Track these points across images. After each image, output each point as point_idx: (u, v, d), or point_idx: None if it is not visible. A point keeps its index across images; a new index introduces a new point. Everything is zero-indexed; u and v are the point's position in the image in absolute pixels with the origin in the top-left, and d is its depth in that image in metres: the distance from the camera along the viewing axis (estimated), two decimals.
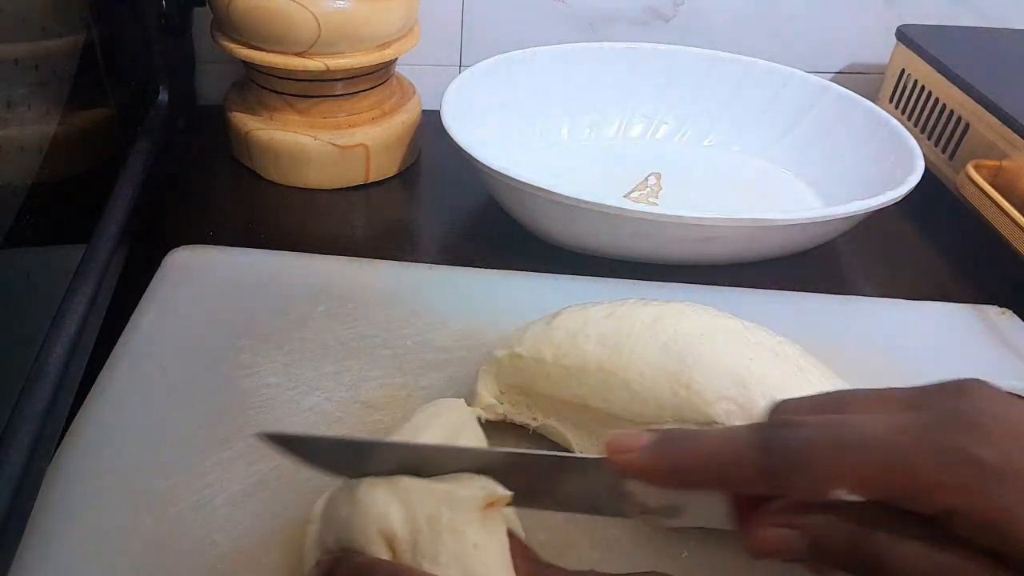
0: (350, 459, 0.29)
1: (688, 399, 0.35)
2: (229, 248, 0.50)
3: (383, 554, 0.26)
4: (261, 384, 0.40)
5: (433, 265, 0.49)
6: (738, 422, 0.34)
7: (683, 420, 0.35)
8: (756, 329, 0.38)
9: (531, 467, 0.28)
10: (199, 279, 0.47)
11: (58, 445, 0.36)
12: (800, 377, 0.36)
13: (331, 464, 0.29)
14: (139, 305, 0.44)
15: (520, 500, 0.27)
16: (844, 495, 0.23)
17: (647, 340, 0.36)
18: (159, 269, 0.47)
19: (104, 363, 0.41)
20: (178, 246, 0.49)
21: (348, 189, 0.59)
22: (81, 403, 0.38)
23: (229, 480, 0.35)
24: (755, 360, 0.36)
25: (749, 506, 0.26)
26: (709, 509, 0.26)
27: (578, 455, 0.31)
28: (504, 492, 0.27)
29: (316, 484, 0.35)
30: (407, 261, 0.50)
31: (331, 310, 0.45)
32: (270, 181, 0.59)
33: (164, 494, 0.35)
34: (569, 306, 0.39)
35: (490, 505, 0.27)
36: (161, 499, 0.34)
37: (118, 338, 0.42)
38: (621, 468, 0.26)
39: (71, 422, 0.37)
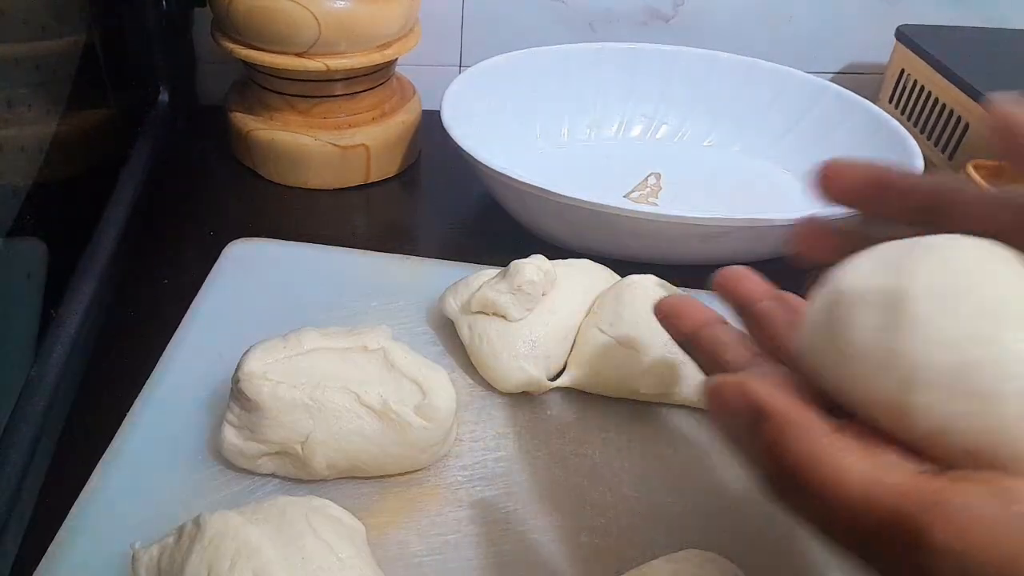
0: None
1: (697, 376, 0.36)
2: (284, 242, 0.50)
3: None
4: None
5: (481, 266, 0.47)
6: None
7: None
8: None
9: None
10: (256, 272, 0.47)
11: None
12: None
13: None
14: (197, 297, 0.45)
15: None
16: None
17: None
18: (217, 261, 0.47)
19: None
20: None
21: (348, 189, 0.59)
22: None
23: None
24: None
25: None
26: None
27: None
28: None
29: (368, 489, 0.35)
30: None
31: (384, 305, 0.46)
32: (270, 181, 0.59)
33: (221, 487, 0.35)
34: None
35: None
36: (217, 489, 0.35)
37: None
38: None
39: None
